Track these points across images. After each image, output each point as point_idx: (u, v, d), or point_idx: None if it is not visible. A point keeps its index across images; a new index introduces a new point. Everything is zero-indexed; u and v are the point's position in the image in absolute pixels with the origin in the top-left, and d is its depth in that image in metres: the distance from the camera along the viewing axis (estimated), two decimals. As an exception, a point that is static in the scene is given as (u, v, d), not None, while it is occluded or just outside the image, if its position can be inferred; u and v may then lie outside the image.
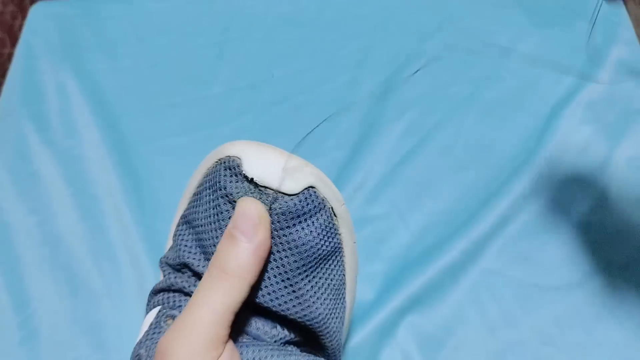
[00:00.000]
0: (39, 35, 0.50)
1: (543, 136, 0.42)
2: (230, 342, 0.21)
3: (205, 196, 0.24)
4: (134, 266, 0.38)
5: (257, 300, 0.23)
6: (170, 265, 0.25)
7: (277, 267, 0.22)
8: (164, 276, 0.26)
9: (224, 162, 0.23)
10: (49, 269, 0.38)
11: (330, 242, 0.24)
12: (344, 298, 0.26)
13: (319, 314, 0.24)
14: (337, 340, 0.26)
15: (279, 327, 0.24)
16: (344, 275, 0.26)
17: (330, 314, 0.24)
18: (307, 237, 0.22)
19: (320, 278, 0.24)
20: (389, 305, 0.36)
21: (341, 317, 0.26)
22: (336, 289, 0.25)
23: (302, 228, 0.22)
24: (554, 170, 0.40)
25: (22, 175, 0.42)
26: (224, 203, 0.22)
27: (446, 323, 0.35)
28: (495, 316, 0.35)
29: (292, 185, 0.22)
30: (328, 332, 0.25)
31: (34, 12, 0.51)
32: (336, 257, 0.25)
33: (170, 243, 0.27)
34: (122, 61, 0.48)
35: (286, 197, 0.22)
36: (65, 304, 0.37)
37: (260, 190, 0.22)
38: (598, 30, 0.46)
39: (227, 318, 0.20)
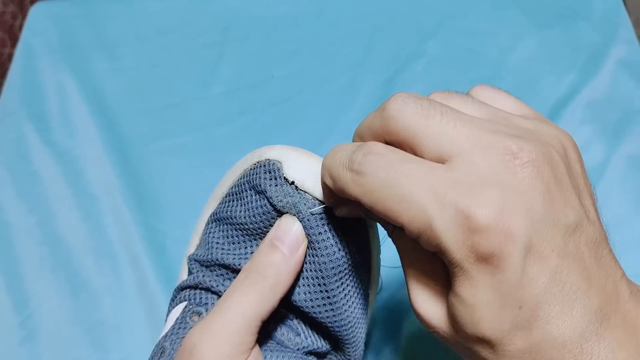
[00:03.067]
0: (39, 35, 0.50)
1: (543, 136, 0.42)
2: (257, 348, 0.21)
3: (247, 197, 0.24)
4: (134, 266, 0.38)
5: (293, 298, 0.23)
6: (199, 262, 0.26)
7: (313, 269, 0.22)
8: (192, 273, 0.26)
9: (264, 165, 0.23)
10: (49, 268, 0.38)
11: (363, 253, 0.24)
12: (367, 309, 0.26)
13: (349, 321, 0.24)
14: (360, 351, 0.26)
15: (302, 335, 0.24)
16: (368, 290, 0.26)
17: (357, 322, 0.25)
18: (344, 245, 0.23)
19: (352, 286, 0.24)
20: (389, 305, 0.36)
21: (365, 328, 0.26)
22: (363, 299, 0.25)
23: (339, 235, 0.23)
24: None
25: (22, 175, 0.42)
26: (266, 205, 0.23)
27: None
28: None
29: None
30: (354, 341, 0.25)
31: (34, 12, 0.51)
32: (366, 267, 0.25)
33: (195, 241, 0.27)
34: (122, 61, 0.48)
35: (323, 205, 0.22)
36: (65, 303, 0.37)
37: (299, 193, 0.22)
38: (598, 30, 0.46)
39: (255, 324, 0.21)
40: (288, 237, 0.22)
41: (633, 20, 0.47)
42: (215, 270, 0.25)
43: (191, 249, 0.28)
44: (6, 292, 0.38)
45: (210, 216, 0.27)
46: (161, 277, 0.37)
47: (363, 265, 0.25)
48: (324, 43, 0.48)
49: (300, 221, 0.22)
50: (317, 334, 0.25)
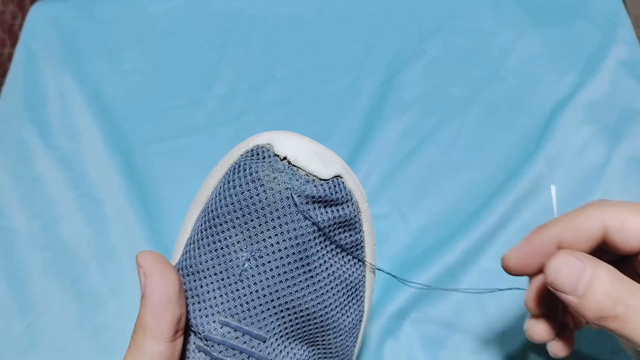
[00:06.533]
0: (39, 38, 0.49)
1: (543, 136, 0.42)
2: None
3: (223, 191, 0.23)
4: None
5: (275, 288, 0.22)
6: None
7: (297, 250, 0.22)
8: None
9: (251, 151, 0.23)
10: (54, 273, 0.38)
11: (351, 235, 0.24)
12: (362, 301, 0.26)
13: (331, 302, 0.24)
14: (342, 340, 0.25)
15: None
16: (363, 276, 0.26)
17: (342, 308, 0.24)
18: (329, 223, 0.23)
19: (337, 268, 0.24)
20: (391, 305, 0.36)
21: (354, 318, 0.26)
22: (353, 286, 0.25)
23: (327, 213, 0.22)
24: (554, 170, 0.40)
25: (24, 180, 0.42)
26: (248, 183, 0.22)
27: (448, 322, 0.36)
28: (496, 315, 0.36)
29: (323, 169, 0.22)
30: (335, 326, 0.24)
31: (33, 13, 0.51)
32: (356, 253, 0.25)
33: (179, 251, 0.27)
34: (123, 64, 0.48)
35: (316, 181, 0.22)
36: (70, 308, 0.37)
37: (292, 169, 0.22)
38: (598, 30, 0.46)
39: None
40: (140, 281, 0.21)
41: (633, 20, 0.47)
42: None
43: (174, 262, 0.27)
44: (11, 297, 0.38)
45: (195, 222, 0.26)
46: (165, 280, 0.37)
47: (354, 247, 0.24)
48: (325, 44, 0.48)
49: (291, 196, 0.22)
50: (293, 343, 0.24)
